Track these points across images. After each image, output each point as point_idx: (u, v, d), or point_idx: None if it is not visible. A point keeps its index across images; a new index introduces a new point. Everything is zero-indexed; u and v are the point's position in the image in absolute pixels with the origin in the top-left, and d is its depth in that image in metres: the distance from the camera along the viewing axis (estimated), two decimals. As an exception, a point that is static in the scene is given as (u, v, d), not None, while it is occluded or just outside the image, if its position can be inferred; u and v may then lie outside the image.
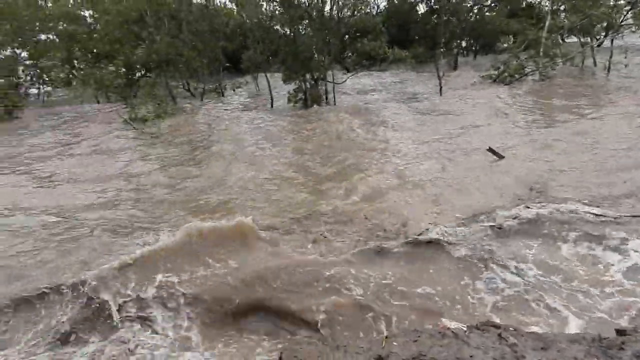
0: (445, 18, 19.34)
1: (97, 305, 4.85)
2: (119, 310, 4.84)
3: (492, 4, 23.93)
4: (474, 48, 24.29)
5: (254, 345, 4.57)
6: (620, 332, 3.02)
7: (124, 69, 20.82)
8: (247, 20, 20.54)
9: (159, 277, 5.30)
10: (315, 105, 16.90)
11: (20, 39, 21.86)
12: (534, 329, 4.20)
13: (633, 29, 20.28)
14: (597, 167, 8.45)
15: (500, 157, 9.50)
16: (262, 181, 9.19)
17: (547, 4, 20.96)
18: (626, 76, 16.67)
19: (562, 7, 20.34)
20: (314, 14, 17.91)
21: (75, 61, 22.31)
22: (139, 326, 4.71)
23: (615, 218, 6.13)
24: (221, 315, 4.88)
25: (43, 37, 22.59)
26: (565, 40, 22.37)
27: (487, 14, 23.35)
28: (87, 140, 14.49)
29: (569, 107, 13.76)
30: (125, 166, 11.23)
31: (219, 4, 24.55)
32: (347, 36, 20.04)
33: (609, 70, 17.55)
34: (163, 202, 8.50)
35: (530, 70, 18.24)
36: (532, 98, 15.42)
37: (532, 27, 19.85)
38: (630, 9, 19.47)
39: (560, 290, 4.92)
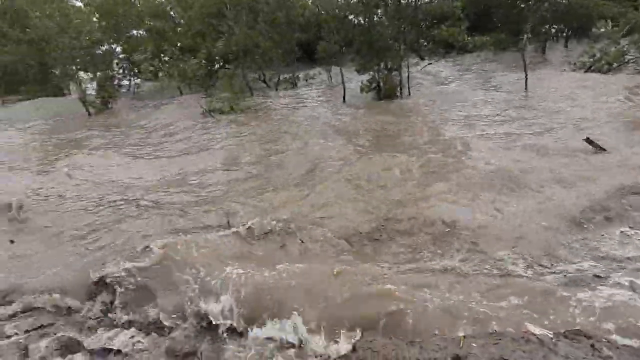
0: (535, 1, 18.13)
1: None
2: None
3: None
4: (564, 34, 22.55)
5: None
6: None
7: (205, 61, 21.92)
8: (322, 11, 20.75)
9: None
10: (389, 96, 16.76)
11: (115, 35, 23.79)
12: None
13: None
14: None
15: (601, 149, 8.91)
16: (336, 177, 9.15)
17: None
18: None
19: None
20: (390, 1, 17.68)
21: (162, 55, 23.80)
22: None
23: None
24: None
25: (134, 32, 24.45)
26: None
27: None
28: (169, 127, 15.53)
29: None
30: (204, 151, 11.92)
31: (294, -5, 24.97)
32: (423, 23, 19.52)
33: None
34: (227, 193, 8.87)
35: (632, 57, 16.71)
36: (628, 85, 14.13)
37: (635, 9, 18.13)
38: None
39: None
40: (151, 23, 24.29)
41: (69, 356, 3.37)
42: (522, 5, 20.14)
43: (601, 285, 4.47)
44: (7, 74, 30.83)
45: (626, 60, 16.68)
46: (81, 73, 24.06)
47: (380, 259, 5.75)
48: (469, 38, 17.83)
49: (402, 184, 8.17)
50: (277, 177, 9.39)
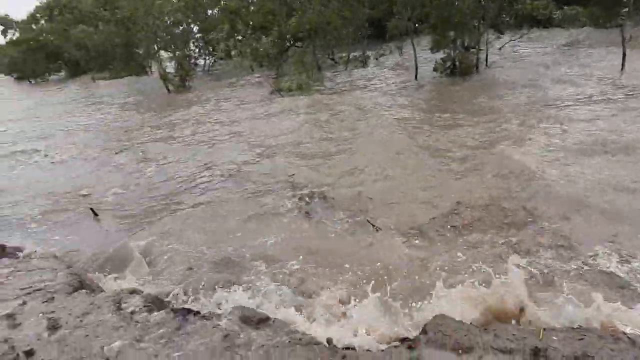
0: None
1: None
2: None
3: None
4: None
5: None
6: None
7: (276, 40, 22.28)
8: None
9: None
10: (465, 76, 16.07)
11: (192, 15, 24.83)
12: None
13: None
14: None
15: None
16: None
17: None
18: None
19: None
20: (470, -28, 16.74)
21: (236, 34, 24.49)
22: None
23: None
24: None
25: (210, 12, 25.37)
26: None
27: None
28: (241, 105, 16.07)
29: None
30: (272, 129, 12.23)
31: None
32: (505, -4, 18.32)
33: None
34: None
35: None
36: None
37: None
38: None
39: None
40: (225, 2, 25.02)
41: (155, 313, 3.73)
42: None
43: None
44: (97, 54, 33.49)
45: None
46: (162, 52, 25.55)
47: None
48: (557, 11, 16.52)
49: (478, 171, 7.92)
50: (342, 155, 9.44)
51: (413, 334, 3.33)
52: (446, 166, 8.15)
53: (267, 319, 3.50)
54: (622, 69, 13.79)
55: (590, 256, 4.85)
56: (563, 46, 18.21)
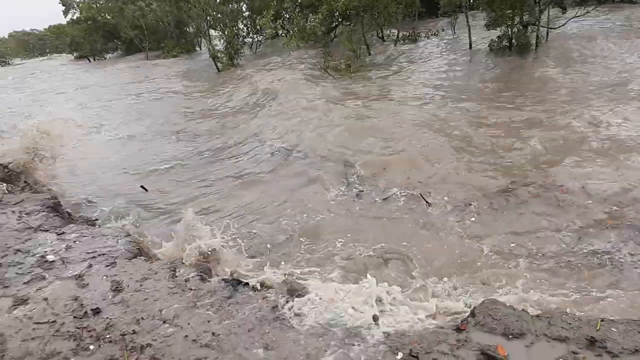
0: None
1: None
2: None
3: None
4: None
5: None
6: None
7: (324, 19, 21.94)
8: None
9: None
10: (522, 55, 15.15)
11: (241, -7, 24.98)
12: None
13: None
14: None
15: None
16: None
17: None
18: None
19: None
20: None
21: (284, 12, 24.39)
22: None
23: None
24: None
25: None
26: None
27: None
28: (289, 84, 16.09)
29: None
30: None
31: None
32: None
33: None
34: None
35: None
36: None
37: None
38: None
39: None
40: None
41: (207, 282, 3.89)
42: None
43: None
44: (150, 32, 34.68)
45: None
46: (211, 31, 25.98)
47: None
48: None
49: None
50: (389, 135, 9.27)
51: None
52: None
53: (312, 292, 3.58)
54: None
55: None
56: (635, 24, 16.66)
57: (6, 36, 76.21)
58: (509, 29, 15.37)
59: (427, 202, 6.10)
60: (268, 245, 5.56)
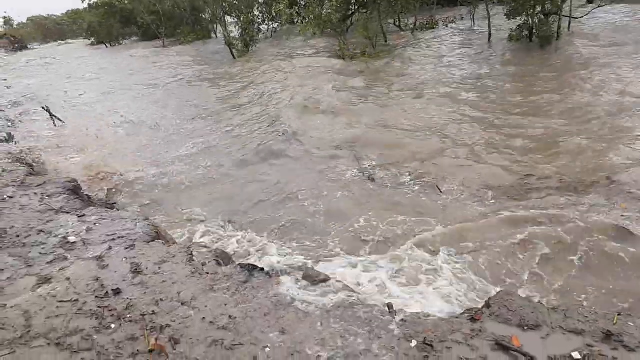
0: None
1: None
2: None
3: None
4: None
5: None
6: None
7: (340, 5, 21.70)
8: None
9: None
10: (542, 45, 14.79)
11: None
12: None
13: None
14: None
15: None
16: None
17: None
18: None
19: None
20: None
21: (300, -1, 24.19)
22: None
23: None
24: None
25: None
26: None
27: None
28: (304, 71, 16.02)
29: None
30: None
31: None
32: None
33: None
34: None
35: None
36: None
37: None
38: None
39: None
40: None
41: (223, 266, 3.96)
42: None
43: None
44: (167, 18, 34.70)
45: None
46: (227, 17, 25.90)
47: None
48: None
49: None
50: (404, 125, 9.22)
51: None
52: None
53: (328, 279, 3.62)
54: None
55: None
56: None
57: (25, 20, 77.06)
58: (530, 18, 15.01)
59: (439, 189, 6.11)
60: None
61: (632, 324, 2.80)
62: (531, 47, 14.54)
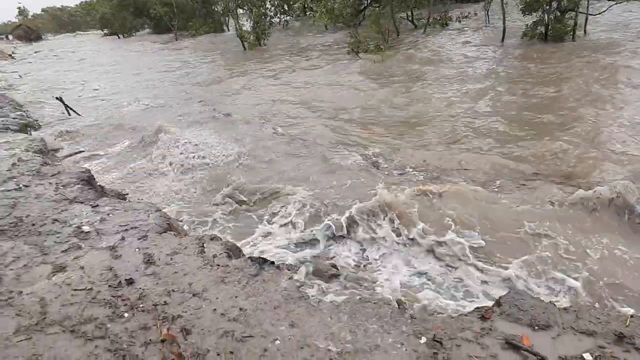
0: None
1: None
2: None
3: None
4: None
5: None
6: None
7: (353, -1, 21.61)
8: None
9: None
10: (558, 42, 14.58)
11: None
12: None
13: None
14: None
15: None
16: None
17: None
18: None
19: None
20: None
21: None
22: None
23: None
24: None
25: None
26: None
27: None
28: (315, 65, 15.98)
29: None
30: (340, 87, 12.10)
31: None
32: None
33: None
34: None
35: None
36: None
37: None
38: None
39: None
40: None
41: (233, 260, 3.99)
42: None
43: None
44: (179, 11, 34.82)
45: None
46: (239, 10, 25.93)
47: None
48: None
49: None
50: (407, 125, 9.18)
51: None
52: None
53: (338, 275, 3.64)
54: None
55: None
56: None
57: (39, 12, 77.89)
58: (545, 15, 14.81)
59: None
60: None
61: (645, 326, 2.78)
62: (546, 44, 14.34)
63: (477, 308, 3.21)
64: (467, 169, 6.77)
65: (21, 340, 2.71)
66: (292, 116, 10.59)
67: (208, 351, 2.71)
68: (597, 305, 3.99)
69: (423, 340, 2.77)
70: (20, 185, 5.23)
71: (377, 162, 7.26)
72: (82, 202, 4.96)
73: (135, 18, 43.03)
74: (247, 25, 24.28)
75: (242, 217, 6.45)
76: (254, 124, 10.24)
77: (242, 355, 2.71)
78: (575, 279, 4.08)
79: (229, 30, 31.50)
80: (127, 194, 6.85)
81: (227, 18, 31.68)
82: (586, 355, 2.51)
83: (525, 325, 2.82)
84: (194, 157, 8.56)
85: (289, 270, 3.79)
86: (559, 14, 15.22)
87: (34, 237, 4.09)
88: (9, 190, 5.06)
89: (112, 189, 6.81)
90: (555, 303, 3.14)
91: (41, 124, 11.28)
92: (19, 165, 5.96)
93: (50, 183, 5.45)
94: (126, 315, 3.00)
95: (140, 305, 3.11)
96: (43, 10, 77.44)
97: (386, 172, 7.02)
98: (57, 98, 13.06)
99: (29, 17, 74.30)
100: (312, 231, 5.20)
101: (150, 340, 2.77)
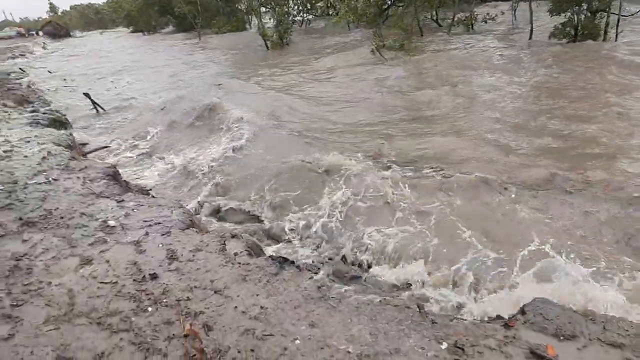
0: None
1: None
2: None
3: None
4: None
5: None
6: None
7: (376, -2, 21.45)
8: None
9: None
10: (588, 44, 14.16)
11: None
12: None
13: None
14: None
15: None
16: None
17: None
18: None
19: None
20: None
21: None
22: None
23: None
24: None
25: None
26: None
27: None
28: (339, 65, 15.95)
29: None
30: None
31: None
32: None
33: None
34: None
35: None
36: None
37: None
38: None
39: None
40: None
41: (254, 259, 4.01)
42: None
43: None
44: (203, 9, 35.27)
45: None
46: (262, 9, 26.12)
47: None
48: None
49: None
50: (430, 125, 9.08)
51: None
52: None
53: (359, 277, 3.63)
54: None
55: None
56: None
57: (68, 9, 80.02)
58: (575, 15, 14.42)
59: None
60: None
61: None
62: (576, 47, 13.96)
63: (500, 316, 3.17)
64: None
65: (50, 330, 2.80)
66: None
67: (229, 348, 2.74)
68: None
69: (444, 345, 2.74)
70: (50, 179, 5.38)
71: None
72: (108, 197, 5.08)
73: (160, 16, 43.76)
74: (269, 24, 24.41)
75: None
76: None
77: (262, 354, 2.73)
78: None
79: (251, 28, 31.71)
80: (150, 190, 6.98)
81: (250, 16, 31.91)
82: (614, 368, 2.45)
83: (550, 335, 2.76)
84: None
85: (309, 270, 3.80)
86: (589, 14, 14.81)
87: (63, 229, 4.21)
88: (39, 184, 5.22)
89: (137, 184, 6.96)
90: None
91: (70, 118, 11.57)
92: (48, 159, 6.13)
93: (78, 177, 5.60)
94: (150, 309, 3.06)
95: (164, 300, 3.17)
96: (71, 7, 79.43)
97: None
98: (84, 94, 13.40)
99: (59, 13, 76.38)
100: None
101: (173, 334, 2.82)
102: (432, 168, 6.80)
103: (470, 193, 5.92)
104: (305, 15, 27.51)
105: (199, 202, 7.14)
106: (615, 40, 13.91)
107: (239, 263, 3.84)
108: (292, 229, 5.46)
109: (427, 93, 11.33)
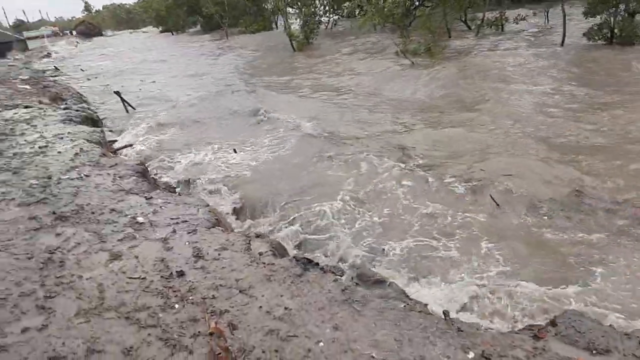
0: None
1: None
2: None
3: None
4: None
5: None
6: None
7: (404, -1, 21.21)
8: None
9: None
10: (625, 46, 13.59)
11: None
12: None
13: None
14: None
15: None
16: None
17: None
18: None
19: None
20: None
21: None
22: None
23: None
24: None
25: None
26: None
27: None
28: (365, 67, 15.87)
29: None
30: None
31: None
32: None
33: None
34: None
35: None
36: None
37: None
38: None
39: None
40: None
41: (279, 259, 4.01)
42: None
43: None
44: (230, 8, 35.72)
45: None
46: (289, 9, 26.26)
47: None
48: None
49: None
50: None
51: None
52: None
53: (383, 281, 3.60)
54: None
55: None
56: None
57: (100, 8, 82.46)
58: (611, 17, 13.89)
59: (496, 202, 5.80)
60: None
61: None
62: (611, 49, 13.46)
63: (530, 326, 3.08)
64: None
65: (81, 323, 2.88)
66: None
67: (253, 348, 2.76)
68: None
69: (471, 355, 2.69)
70: (82, 175, 5.55)
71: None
72: (137, 194, 5.20)
73: (188, 16, 44.53)
74: (296, 24, 24.50)
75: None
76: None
77: (286, 355, 2.74)
78: None
79: (277, 28, 31.91)
80: (177, 187, 7.11)
81: (276, 16, 32.12)
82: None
83: (581, 349, 2.67)
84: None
85: (333, 272, 3.79)
86: (626, 15, 14.26)
87: (93, 224, 4.33)
88: (72, 179, 5.39)
89: (164, 182, 7.10)
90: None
91: (101, 116, 11.91)
92: (80, 156, 6.33)
93: (108, 174, 5.75)
94: (177, 306, 3.12)
95: (190, 298, 3.22)
96: (103, 7, 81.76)
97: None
98: (115, 92, 13.75)
99: (92, 13, 78.80)
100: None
101: (199, 332, 2.86)
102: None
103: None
104: (331, 16, 27.49)
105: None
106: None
107: (264, 263, 3.86)
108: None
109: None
